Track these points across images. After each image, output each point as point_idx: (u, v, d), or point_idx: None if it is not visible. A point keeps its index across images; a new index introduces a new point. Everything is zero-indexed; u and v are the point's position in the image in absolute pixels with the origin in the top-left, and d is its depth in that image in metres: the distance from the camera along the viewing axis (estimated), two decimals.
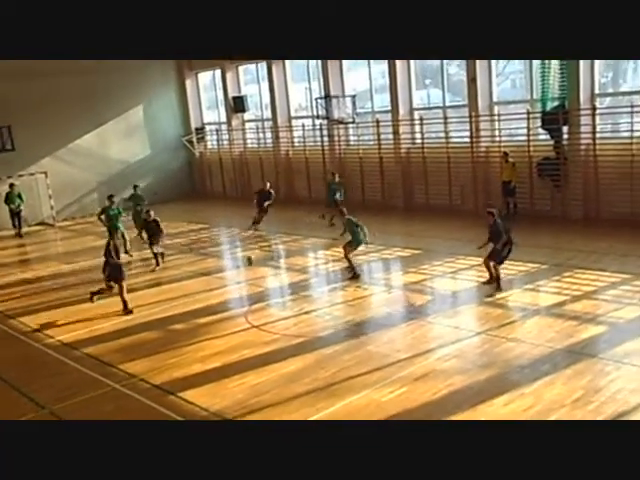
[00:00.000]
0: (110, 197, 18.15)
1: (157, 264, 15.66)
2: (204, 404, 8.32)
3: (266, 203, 19.59)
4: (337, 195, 19.09)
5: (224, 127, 28.25)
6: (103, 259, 12.69)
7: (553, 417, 7.21)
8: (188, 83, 28.90)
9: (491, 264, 12.08)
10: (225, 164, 28.03)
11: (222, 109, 28.26)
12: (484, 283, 12.28)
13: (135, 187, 20.30)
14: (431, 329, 10.48)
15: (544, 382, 8.11)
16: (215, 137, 28.98)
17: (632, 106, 16.46)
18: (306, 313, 11.64)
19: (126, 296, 12.43)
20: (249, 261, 15.38)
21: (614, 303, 10.89)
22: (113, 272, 12.55)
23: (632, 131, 16.44)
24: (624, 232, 15.16)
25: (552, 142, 17.69)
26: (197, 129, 28.98)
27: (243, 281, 14.68)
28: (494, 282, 12.03)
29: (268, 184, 20.27)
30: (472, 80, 18.90)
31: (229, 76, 26.93)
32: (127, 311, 12.35)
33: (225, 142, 28.44)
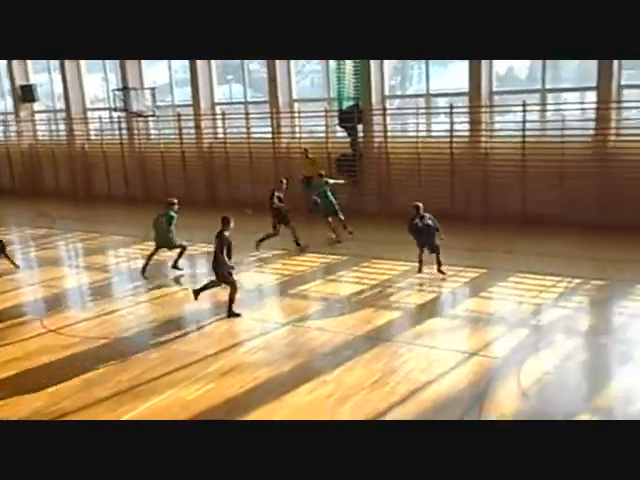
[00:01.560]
0: None
1: None
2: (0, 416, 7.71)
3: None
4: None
5: (11, 118, 26.20)
6: None
7: (353, 400, 7.63)
8: None
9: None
10: (13, 157, 26.00)
11: (9, 99, 26.19)
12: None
13: None
14: (238, 323, 10.57)
15: (345, 367, 8.54)
16: (1, 128, 26.77)
17: (417, 108, 17.93)
18: (108, 314, 11.18)
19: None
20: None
21: (406, 290, 11.76)
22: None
23: (417, 131, 17.88)
24: None
25: (349, 139, 18.60)
26: None
27: (37, 283, 13.73)
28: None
29: (284, 180, 15.17)
30: (272, 81, 19.32)
31: (16, 64, 24.97)
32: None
33: (13, 134, 26.41)
